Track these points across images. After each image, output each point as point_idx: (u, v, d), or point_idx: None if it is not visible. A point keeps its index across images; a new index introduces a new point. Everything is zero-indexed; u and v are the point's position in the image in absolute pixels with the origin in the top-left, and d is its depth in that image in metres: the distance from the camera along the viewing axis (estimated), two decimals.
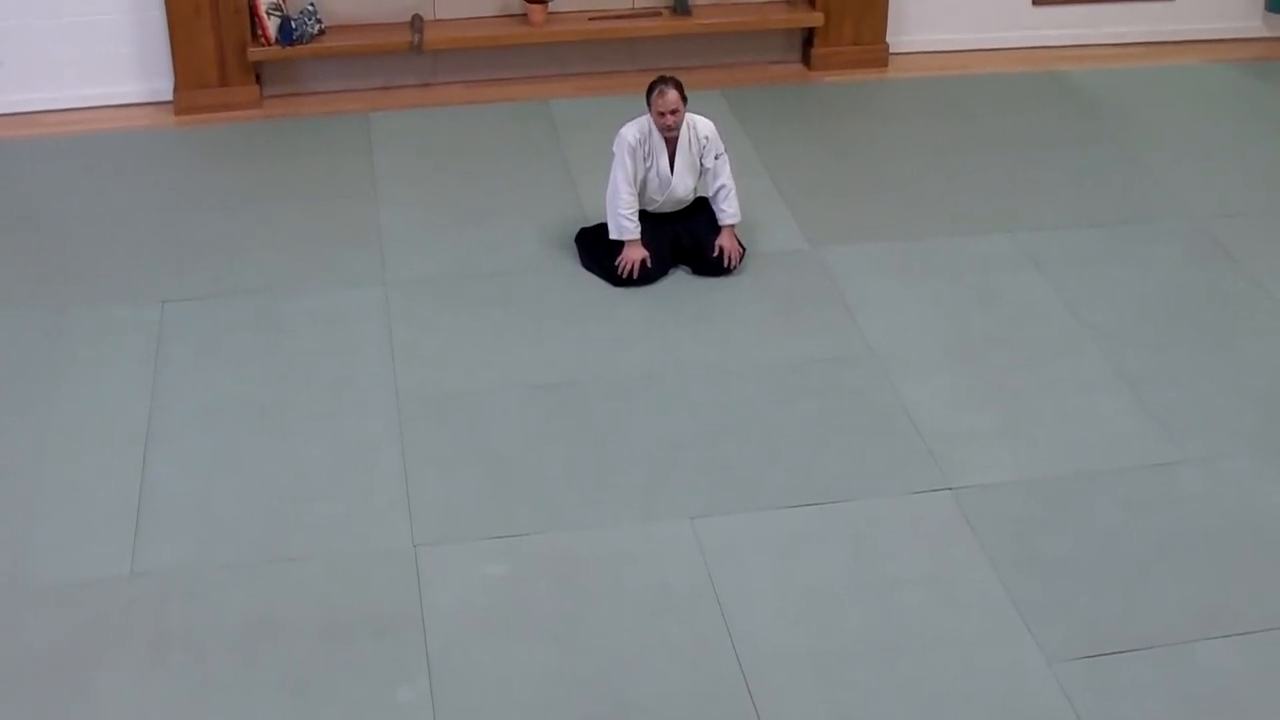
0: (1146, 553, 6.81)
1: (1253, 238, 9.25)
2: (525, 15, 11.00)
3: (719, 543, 6.83)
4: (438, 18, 11.02)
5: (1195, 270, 8.95)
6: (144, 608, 6.44)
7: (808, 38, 11.53)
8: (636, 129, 8.63)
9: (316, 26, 10.68)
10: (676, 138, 8.66)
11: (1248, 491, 7.20)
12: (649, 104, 8.59)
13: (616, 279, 8.69)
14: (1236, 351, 8.23)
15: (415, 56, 10.97)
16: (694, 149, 8.73)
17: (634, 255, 8.68)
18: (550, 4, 10.98)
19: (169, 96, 10.72)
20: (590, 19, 11.10)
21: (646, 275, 8.70)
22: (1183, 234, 9.31)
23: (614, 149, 8.66)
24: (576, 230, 9.09)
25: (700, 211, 8.93)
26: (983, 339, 8.30)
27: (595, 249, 8.86)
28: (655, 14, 11.20)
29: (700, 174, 8.82)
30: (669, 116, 8.53)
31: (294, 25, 10.54)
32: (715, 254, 8.79)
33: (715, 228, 8.83)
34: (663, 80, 8.56)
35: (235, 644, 6.28)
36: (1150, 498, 7.14)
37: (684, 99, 8.57)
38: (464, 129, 10.51)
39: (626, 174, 8.61)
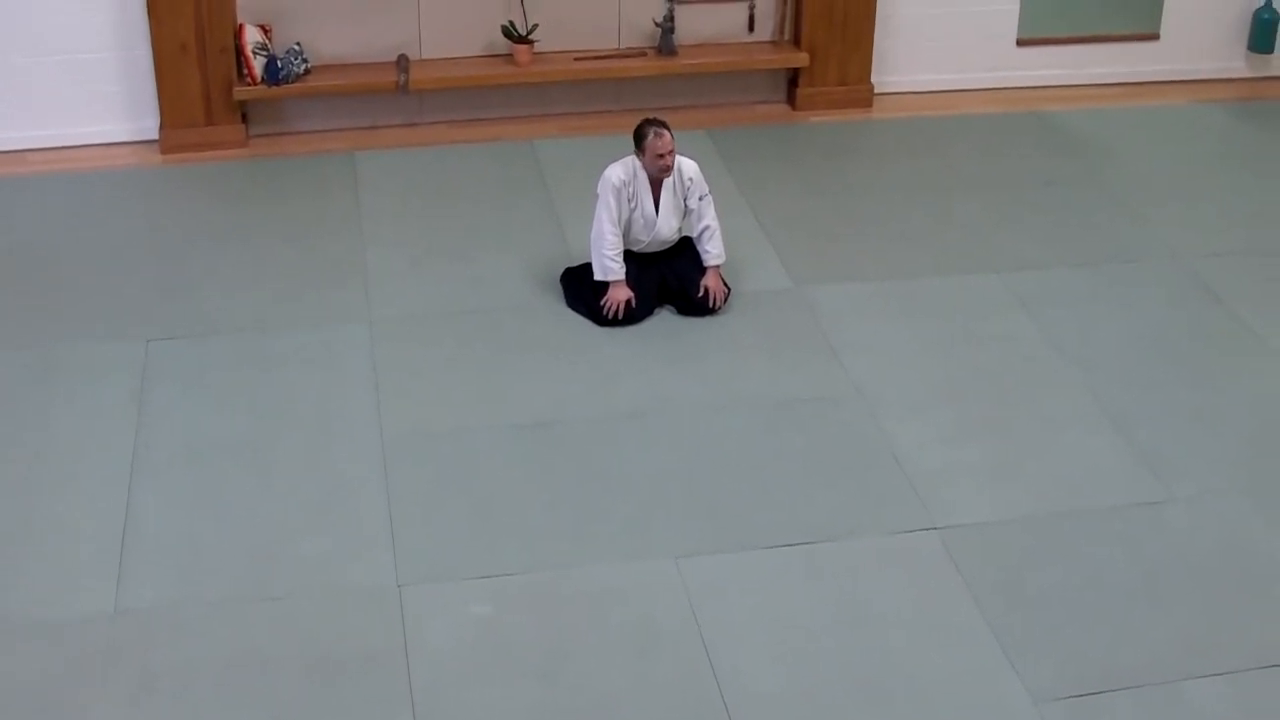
0: (1133, 591, 6.80)
1: (1237, 277, 9.27)
2: (511, 55, 11.03)
3: (704, 582, 6.82)
4: (424, 57, 11.05)
5: (1180, 309, 8.97)
6: (129, 644, 6.42)
7: (793, 78, 11.58)
8: (621, 170, 8.64)
9: (302, 66, 10.70)
10: (663, 178, 8.67)
11: (1234, 529, 7.20)
12: (638, 146, 8.60)
13: (602, 319, 8.69)
14: (1222, 390, 8.25)
15: (401, 96, 10.99)
16: (679, 190, 8.74)
17: (619, 296, 8.68)
18: (536, 44, 11.01)
19: (155, 135, 10.73)
20: (576, 59, 11.14)
21: (631, 315, 8.71)
22: (1168, 273, 9.33)
23: (598, 190, 8.67)
24: (562, 269, 9.10)
25: (685, 251, 8.94)
26: (968, 378, 8.30)
27: (580, 288, 8.86)
28: (641, 54, 11.23)
29: (685, 215, 8.84)
30: (667, 158, 8.55)
31: (280, 64, 10.56)
32: (700, 294, 8.79)
33: (700, 268, 8.84)
34: (657, 123, 8.58)
35: (220, 681, 6.25)
36: (1136, 536, 7.14)
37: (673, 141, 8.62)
38: (449, 168, 10.52)
39: (611, 215, 8.62)
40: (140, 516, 7.17)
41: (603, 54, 11.21)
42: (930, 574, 6.91)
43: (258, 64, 10.55)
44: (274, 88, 10.62)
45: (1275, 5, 11.95)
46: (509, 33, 10.93)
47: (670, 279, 8.86)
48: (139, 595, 6.70)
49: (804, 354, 8.49)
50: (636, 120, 8.81)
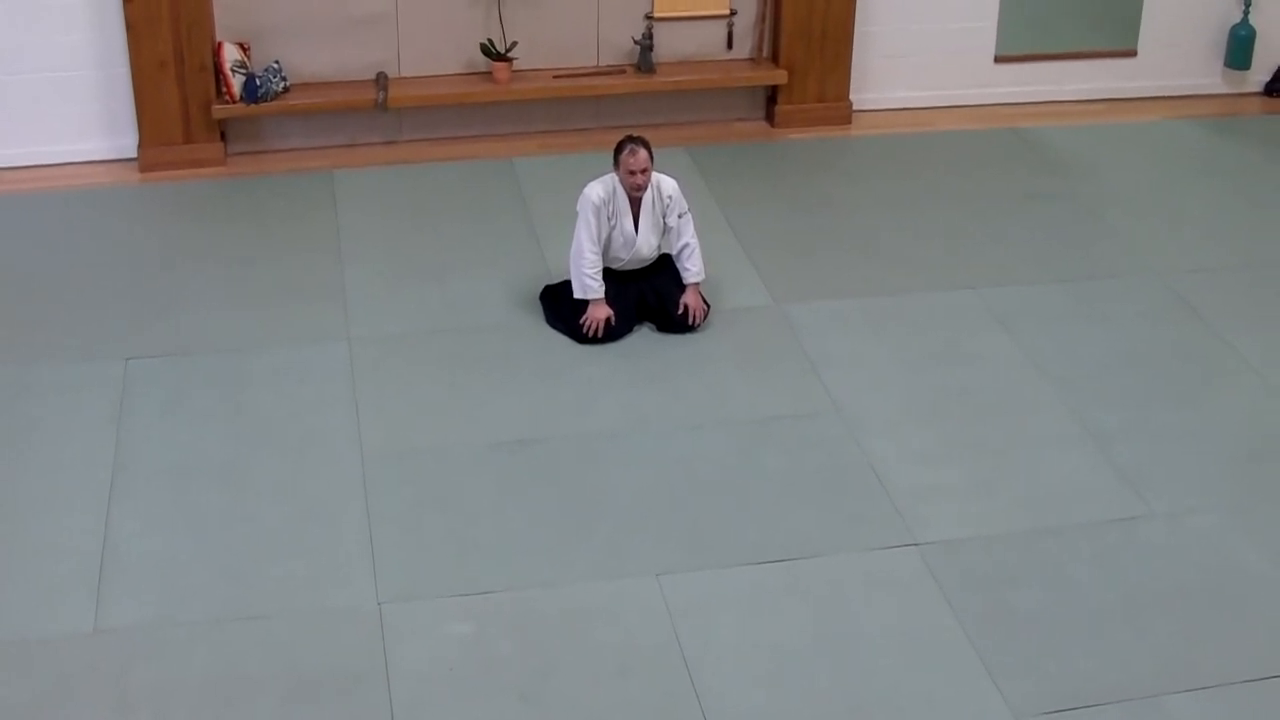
0: (1113, 607, 6.81)
1: (1216, 293, 9.29)
2: (490, 73, 11.03)
3: (685, 600, 6.81)
4: (402, 75, 11.04)
5: (1160, 326, 8.98)
6: (107, 666, 6.40)
7: (772, 95, 11.59)
8: (601, 188, 8.64)
9: (281, 84, 10.69)
10: (642, 197, 8.67)
11: (1213, 546, 7.21)
12: (616, 163, 8.61)
13: (581, 337, 8.69)
14: (1202, 407, 8.26)
15: (380, 114, 10.98)
16: (658, 208, 8.74)
17: (598, 314, 8.68)
18: (515, 62, 11.01)
19: (133, 153, 10.72)
20: (554, 76, 11.14)
21: (611, 333, 8.70)
22: (1147, 290, 9.35)
23: (578, 208, 8.66)
24: (541, 287, 9.09)
25: (664, 269, 8.94)
26: (948, 395, 8.31)
27: (560, 306, 8.86)
28: (620, 71, 11.24)
29: (664, 232, 8.84)
30: (639, 175, 8.55)
31: (259, 82, 10.55)
32: (680, 311, 8.79)
33: (680, 285, 8.84)
34: (632, 139, 8.59)
35: (200, 702, 6.23)
36: (1116, 553, 7.15)
37: (651, 159, 8.60)
38: (428, 186, 10.52)
39: (590, 233, 8.61)
40: (119, 536, 7.15)
41: (581, 71, 11.22)
42: (911, 590, 6.91)
43: (236, 82, 10.55)
44: (253, 106, 10.61)
45: (1251, 21, 11.99)
46: (488, 50, 10.94)
47: (650, 296, 8.86)
48: (118, 615, 6.67)
49: (784, 371, 8.49)
50: (615, 138, 8.82)
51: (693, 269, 8.82)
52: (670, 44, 11.33)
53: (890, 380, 8.42)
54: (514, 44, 10.97)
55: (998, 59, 11.93)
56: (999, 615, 6.75)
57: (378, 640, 6.56)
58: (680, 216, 8.78)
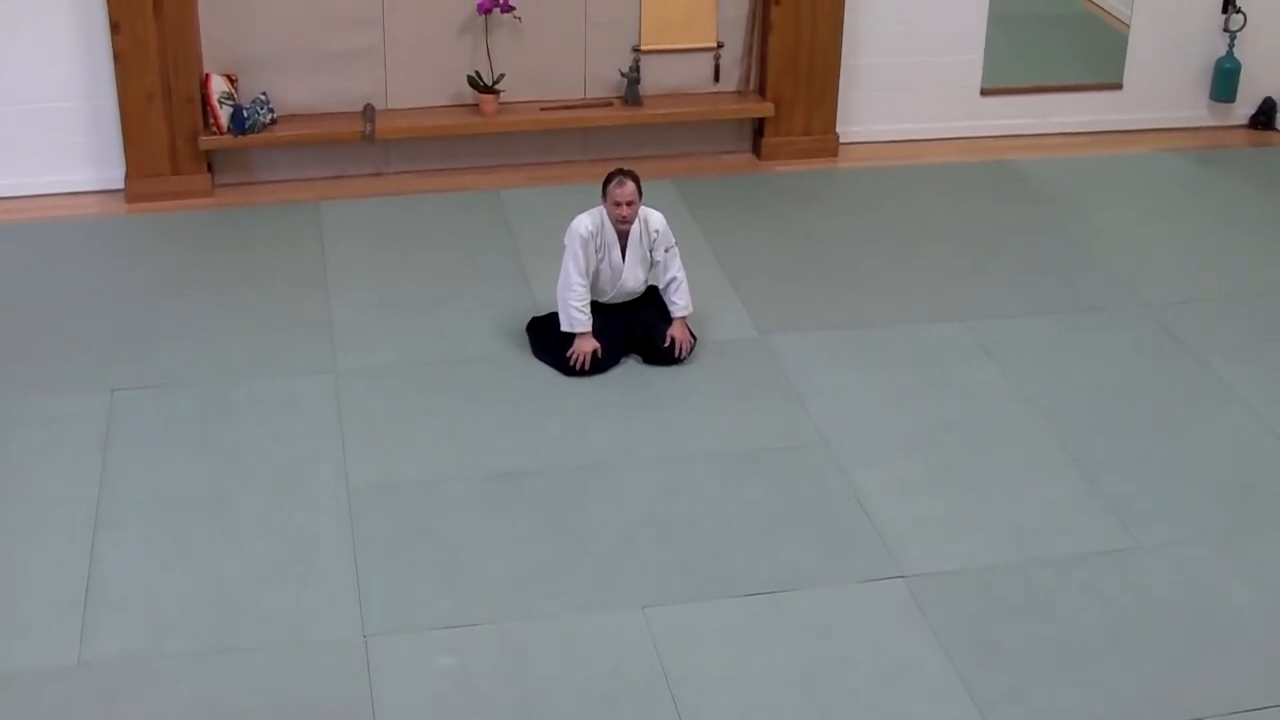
0: (1101, 639, 6.80)
1: (1203, 324, 9.30)
2: (477, 105, 11.03)
3: (672, 632, 6.80)
4: (390, 107, 11.04)
5: (1147, 357, 8.99)
6: (91, 698, 6.37)
7: (758, 127, 11.60)
8: (590, 220, 8.65)
9: (268, 115, 10.69)
10: (629, 230, 8.67)
11: (1202, 577, 7.21)
12: (605, 194, 8.62)
13: (568, 369, 8.68)
14: (1189, 437, 8.26)
15: (367, 145, 10.98)
16: (645, 242, 8.75)
17: (585, 347, 8.67)
18: (502, 94, 11.02)
19: (120, 185, 10.70)
20: (542, 109, 11.15)
21: (598, 365, 8.70)
22: (1134, 321, 9.36)
23: (565, 241, 8.66)
24: (528, 319, 9.09)
25: (651, 301, 8.94)
26: (935, 427, 8.31)
27: (546, 338, 8.85)
28: (606, 104, 11.25)
29: (651, 266, 8.84)
30: (625, 207, 8.56)
31: (246, 114, 10.55)
32: (666, 344, 8.79)
33: (666, 317, 8.84)
34: (621, 172, 8.60)
35: None
36: (1105, 585, 7.14)
37: (640, 193, 8.60)
38: (416, 218, 10.51)
39: (579, 265, 8.61)
40: (104, 568, 7.12)
41: (569, 104, 11.23)
42: (898, 623, 6.90)
43: (224, 113, 10.55)
44: (240, 137, 10.61)
45: (1236, 54, 12.03)
46: (475, 83, 10.95)
47: (636, 328, 8.86)
48: (102, 648, 6.65)
49: (770, 403, 8.49)
50: (603, 170, 8.83)
51: (680, 302, 8.82)
52: (657, 77, 11.35)
53: (877, 412, 8.42)
54: (501, 76, 10.98)
55: (984, 92, 11.96)
56: (986, 647, 6.75)
57: (363, 673, 6.54)
58: (667, 250, 8.78)
